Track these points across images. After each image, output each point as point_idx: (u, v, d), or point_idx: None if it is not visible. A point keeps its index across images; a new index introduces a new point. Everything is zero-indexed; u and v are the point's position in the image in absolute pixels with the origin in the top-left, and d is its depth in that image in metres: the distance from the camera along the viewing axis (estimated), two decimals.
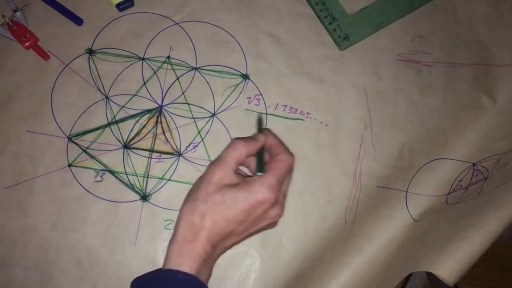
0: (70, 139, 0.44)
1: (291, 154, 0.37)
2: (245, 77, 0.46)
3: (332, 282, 0.43)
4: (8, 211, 0.42)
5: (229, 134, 0.45)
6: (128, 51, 0.46)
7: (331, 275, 0.43)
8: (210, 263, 0.35)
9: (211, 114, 0.45)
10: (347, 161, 0.45)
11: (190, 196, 0.35)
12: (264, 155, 0.37)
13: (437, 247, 0.40)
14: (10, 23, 0.44)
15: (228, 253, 0.42)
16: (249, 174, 0.40)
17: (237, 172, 0.36)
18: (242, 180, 0.35)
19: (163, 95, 0.45)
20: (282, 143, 0.38)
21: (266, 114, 0.45)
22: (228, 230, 0.34)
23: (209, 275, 0.35)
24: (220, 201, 0.33)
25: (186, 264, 0.32)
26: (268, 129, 0.40)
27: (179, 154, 0.44)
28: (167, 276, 0.33)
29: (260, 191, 0.33)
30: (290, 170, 0.37)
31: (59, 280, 0.41)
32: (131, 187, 0.43)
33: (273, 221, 0.36)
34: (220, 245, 0.35)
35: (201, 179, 0.35)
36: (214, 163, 0.35)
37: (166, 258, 0.34)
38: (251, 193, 0.33)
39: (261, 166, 0.36)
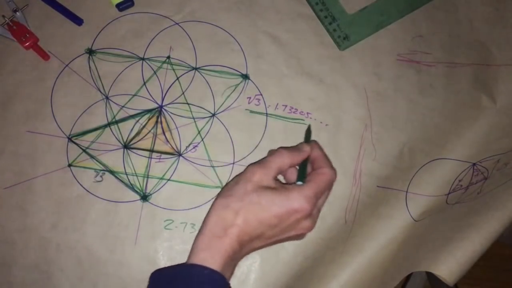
0: (70, 139, 0.44)
1: (334, 170, 0.37)
2: (245, 77, 0.46)
3: (332, 282, 0.43)
4: (8, 211, 0.42)
5: (229, 134, 0.45)
6: (128, 51, 0.46)
7: (331, 275, 0.43)
8: (235, 262, 0.35)
9: (211, 114, 0.45)
10: (347, 161, 0.45)
11: (226, 191, 0.35)
12: (307, 165, 0.38)
13: (437, 247, 0.40)
14: (10, 23, 0.44)
15: None
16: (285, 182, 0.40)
17: (276, 179, 0.36)
18: (280, 186, 0.35)
19: (163, 95, 0.45)
20: (326, 157, 0.38)
21: (266, 114, 0.45)
22: (258, 232, 0.34)
23: (232, 274, 0.35)
24: (256, 201, 0.33)
25: (213, 259, 0.32)
26: (315, 141, 0.41)
27: (179, 154, 0.44)
28: (193, 271, 0.32)
29: (297, 199, 0.33)
30: (329, 186, 0.37)
31: (59, 280, 0.41)
32: (131, 187, 0.43)
33: (302, 232, 0.36)
34: (247, 245, 0.35)
35: (239, 177, 0.36)
36: (255, 164, 0.36)
37: (192, 251, 0.34)
38: (288, 200, 0.33)
39: (303, 176, 0.36)
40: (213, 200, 0.36)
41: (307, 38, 0.47)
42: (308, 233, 0.36)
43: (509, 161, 0.46)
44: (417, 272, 0.74)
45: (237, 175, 0.37)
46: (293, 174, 0.39)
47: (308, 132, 0.43)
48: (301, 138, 0.45)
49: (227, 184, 0.37)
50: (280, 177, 0.40)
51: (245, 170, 0.36)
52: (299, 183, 0.35)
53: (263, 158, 0.36)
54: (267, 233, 0.34)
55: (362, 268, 0.43)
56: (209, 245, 0.33)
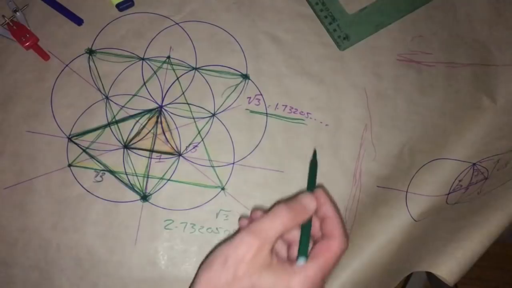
0: (70, 139, 0.44)
1: (346, 237, 0.29)
2: (245, 77, 0.46)
3: (333, 282, 0.42)
4: (8, 211, 0.42)
5: (229, 134, 0.45)
6: (128, 51, 0.46)
7: (331, 275, 0.43)
8: None
9: (211, 114, 0.45)
10: (347, 161, 0.45)
11: (211, 270, 0.27)
12: (310, 231, 0.30)
13: (437, 247, 0.40)
14: (10, 23, 0.44)
15: None
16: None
17: (273, 251, 0.29)
18: (278, 265, 0.28)
19: (163, 95, 0.45)
20: (338, 215, 0.30)
21: (266, 114, 0.45)
22: None
23: None
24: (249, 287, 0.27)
25: None
26: (321, 189, 0.32)
27: (179, 154, 0.44)
28: None
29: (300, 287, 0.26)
30: (339, 260, 0.29)
31: (59, 280, 0.41)
32: (131, 187, 0.43)
33: None
34: None
35: (227, 251, 0.27)
36: (249, 234, 0.28)
37: None
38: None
39: (305, 249, 0.28)
40: (195, 277, 0.28)
41: (307, 38, 0.47)
42: None
43: (509, 161, 0.46)
44: (417, 272, 0.74)
45: (224, 245, 0.28)
46: (292, 235, 0.31)
47: (314, 165, 0.34)
48: (301, 138, 0.45)
49: (213, 254, 0.28)
50: None
51: (237, 240, 0.28)
52: (301, 262, 0.28)
53: (259, 221, 0.28)
54: None
55: (362, 268, 0.43)
56: None
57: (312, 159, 0.35)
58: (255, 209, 0.33)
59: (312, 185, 0.33)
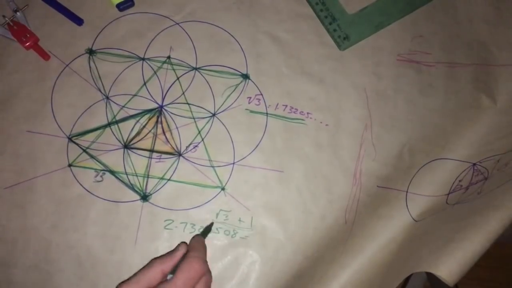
0: (70, 139, 0.44)
1: (200, 262, 0.35)
2: (245, 77, 0.46)
3: (332, 282, 0.42)
4: (8, 211, 0.42)
5: (229, 134, 0.45)
6: (128, 51, 0.46)
7: (331, 275, 0.43)
8: None
9: (211, 114, 0.45)
10: (347, 161, 0.45)
11: None
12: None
13: (437, 248, 0.40)
14: (11, 23, 0.45)
15: (228, 253, 0.42)
16: None
17: None
18: None
19: (163, 95, 0.45)
20: (199, 247, 0.37)
21: (267, 114, 0.45)
22: None
23: None
24: None
25: None
26: (201, 237, 0.40)
27: (179, 154, 0.44)
28: None
29: None
30: (200, 273, 0.35)
31: (59, 280, 0.41)
32: (131, 187, 0.43)
33: None
34: None
35: None
36: (125, 284, 0.34)
37: None
38: None
39: (174, 268, 0.35)
40: None
41: (307, 38, 0.48)
42: None
43: (509, 161, 0.46)
44: (417, 273, 0.74)
45: None
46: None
47: (207, 229, 0.42)
48: (301, 138, 0.45)
49: None
50: None
51: None
52: (170, 276, 0.34)
53: (135, 275, 0.35)
54: None
55: (362, 268, 0.43)
56: None
57: (208, 226, 0.43)
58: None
59: (204, 235, 0.41)
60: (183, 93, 0.45)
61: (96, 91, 0.45)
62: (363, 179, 0.45)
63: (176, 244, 0.42)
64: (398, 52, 0.48)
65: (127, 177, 0.43)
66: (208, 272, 0.36)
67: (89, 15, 0.46)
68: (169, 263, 0.36)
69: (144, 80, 0.45)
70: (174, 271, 0.34)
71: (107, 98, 0.45)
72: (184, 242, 0.40)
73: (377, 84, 0.47)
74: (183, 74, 0.46)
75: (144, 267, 0.35)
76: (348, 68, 0.47)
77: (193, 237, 0.40)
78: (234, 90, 0.46)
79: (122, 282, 0.34)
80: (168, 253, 0.37)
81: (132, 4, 0.46)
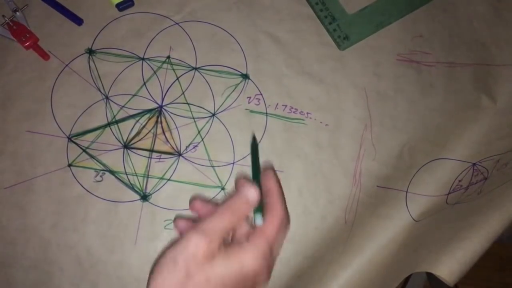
0: (70, 139, 0.44)
1: (286, 210, 0.31)
2: (245, 77, 0.46)
3: (332, 282, 0.42)
4: (8, 211, 0.42)
5: (229, 134, 0.45)
6: (128, 51, 0.46)
7: (331, 275, 0.43)
8: None
9: (211, 114, 0.45)
10: (347, 161, 0.45)
11: (160, 276, 0.27)
12: (263, 204, 0.31)
13: (437, 247, 0.40)
14: (10, 23, 0.44)
15: None
16: None
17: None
18: (229, 250, 0.28)
19: (163, 95, 0.45)
20: (279, 192, 0.32)
21: (266, 114, 0.45)
22: None
23: None
24: (205, 281, 0.27)
25: None
26: (269, 171, 0.34)
27: (179, 154, 0.44)
28: None
29: (253, 262, 0.28)
30: (281, 231, 0.31)
31: (59, 280, 0.41)
32: (131, 187, 0.43)
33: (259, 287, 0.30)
34: None
35: (177, 253, 0.27)
36: (196, 232, 0.28)
37: None
38: (242, 267, 0.27)
39: (261, 208, 0.30)
40: (147, 285, 0.28)
41: (307, 38, 0.47)
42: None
43: (509, 161, 0.46)
44: (417, 272, 0.74)
45: (172, 247, 0.28)
46: (242, 227, 0.32)
47: (255, 149, 0.35)
48: (301, 138, 0.45)
49: (160, 261, 0.28)
50: None
51: (184, 241, 0.28)
52: (259, 217, 0.30)
53: (205, 220, 0.29)
54: None
55: (362, 268, 0.43)
56: None
57: (252, 142, 0.36)
58: (195, 199, 0.34)
59: (256, 171, 0.34)
60: (183, 93, 0.45)
61: (96, 91, 0.45)
62: (363, 179, 0.45)
63: None
64: (398, 52, 0.48)
65: (127, 177, 0.43)
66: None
67: (88, 15, 0.46)
68: (244, 212, 0.30)
69: (143, 80, 0.45)
70: (260, 209, 0.30)
71: (107, 98, 0.45)
72: (249, 182, 0.32)
73: (377, 84, 0.47)
74: (183, 74, 0.46)
75: (214, 217, 0.29)
76: (348, 68, 0.47)
77: (265, 174, 0.33)
78: (234, 90, 0.46)
79: (192, 233, 0.28)
80: (237, 197, 0.30)
81: (132, 4, 0.46)
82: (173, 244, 0.28)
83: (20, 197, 0.42)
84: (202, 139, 0.44)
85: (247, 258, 0.28)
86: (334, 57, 0.47)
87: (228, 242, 0.32)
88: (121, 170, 0.43)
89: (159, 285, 0.27)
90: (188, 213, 0.43)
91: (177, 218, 0.34)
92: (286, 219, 0.31)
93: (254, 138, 0.37)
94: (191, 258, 0.27)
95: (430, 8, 0.49)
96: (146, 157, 0.44)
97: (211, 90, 0.45)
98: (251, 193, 0.30)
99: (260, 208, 0.30)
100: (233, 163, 0.44)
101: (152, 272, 0.28)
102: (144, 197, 0.43)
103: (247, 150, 0.44)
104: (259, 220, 0.30)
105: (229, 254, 0.28)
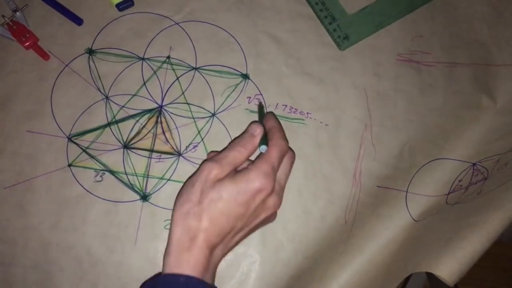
0: (70, 139, 0.44)
1: (285, 140, 0.36)
2: (245, 77, 0.46)
3: (332, 282, 0.42)
4: (8, 211, 0.42)
5: (229, 134, 0.45)
6: (128, 51, 0.46)
7: (331, 275, 0.43)
8: (212, 269, 0.33)
9: (211, 114, 0.45)
10: (347, 161, 0.45)
11: (182, 198, 0.33)
12: (267, 139, 0.37)
13: (437, 248, 0.40)
14: (10, 23, 0.44)
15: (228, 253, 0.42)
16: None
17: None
18: (237, 173, 0.34)
19: (163, 95, 0.45)
20: (279, 128, 0.37)
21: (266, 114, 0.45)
22: (228, 228, 0.32)
23: (213, 278, 0.34)
24: (217, 197, 0.32)
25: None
26: (271, 113, 0.41)
27: (179, 154, 0.44)
28: (168, 279, 0.31)
29: (257, 178, 0.32)
30: (282, 157, 0.36)
31: (59, 280, 0.41)
32: (131, 187, 0.43)
33: (271, 212, 0.35)
34: (220, 246, 0.33)
35: (194, 178, 0.33)
36: (210, 162, 0.33)
37: (163, 271, 0.32)
38: (248, 183, 0.32)
39: (265, 140, 0.36)
40: (172, 211, 0.33)
41: (307, 38, 0.47)
42: (277, 211, 0.36)
43: (509, 161, 0.46)
44: (417, 272, 0.74)
45: (190, 177, 0.35)
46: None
47: (261, 108, 0.42)
48: (301, 138, 0.45)
49: (182, 188, 0.35)
50: None
51: (199, 169, 0.34)
52: (263, 147, 0.35)
53: (218, 153, 0.35)
54: (237, 225, 0.33)
55: (362, 268, 0.43)
56: (178, 262, 0.31)
57: (259, 105, 0.44)
58: (210, 153, 0.39)
59: (261, 117, 0.41)
60: (183, 93, 0.45)
61: (96, 91, 0.45)
62: (363, 179, 0.45)
63: None
64: (398, 52, 0.48)
65: (127, 177, 0.43)
66: (290, 148, 0.38)
67: (88, 15, 0.46)
68: (252, 147, 0.35)
69: (143, 80, 0.45)
70: (265, 141, 0.35)
71: (107, 98, 0.45)
72: (256, 122, 0.38)
73: (377, 84, 0.47)
74: (182, 74, 0.46)
75: (228, 149, 0.35)
76: (348, 68, 0.47)
77: (266, 116, 0.40)
78: (234, 90, 0.46)
79: (207, 161, 0.34)
80: (246, 135, 0.36)
81: (132, 4, 0.46)
82: (192, 174, 0.35)
83: (20, 197, 0.42)
84: (202, 139, 0.44)
85: (251, 174, 0.33)
86: (334, 57, 0.47)
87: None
88: (121, 170, 0.43)
89: (180, 205, 0.33)
90: None
91: (210, 152, 0.40)
92: (286, 148, 0.36)
93: (260, 103, 0.44)
94: (204, 180, 0.33)
95: (430, 8, 0.49)
96: (146, 157, 0.44)
97: (211, 90, 0.45)
98: (256, 128, 0.36)
99: (265, 142, 0.35)
100: None
101: (176, 197, 0.34)
102: (144, 197, 0.43)
103: None
104: (263, 148, 0.35)
105: (237, 174, 0.33)
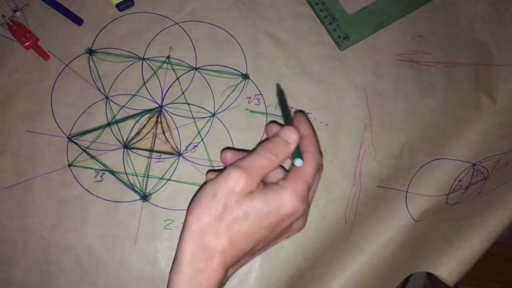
0: (70, 139, 0.44)
1: (321, 153, 0.31)
2: (245, 77, 0.46)
3: (332, 282, 0.42)
4: (8, 211, 0.42)
5: (229, 134, 0.45)
6: (128, 51, 0.46)
7: (331, 275, 0.43)
8: (223, 287, 0.30)
9: (211, 114, 0.45)
10: (347, 161, 0.45)
11: (200, 209, 0.28)
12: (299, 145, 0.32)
13: (437, 248, 0.40)
14: (10, 23, 0.45)
15: None
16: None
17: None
18: (267, 188, 0.29)
19: (163, 95, 0.45)
20: (315, 137, 0.32)
21: (266, 113, 0.45)
22: (247, 250, 0.28)
23: None
24: (243, 217, 0.27)
25: None
26: (302, 115, 0.34)
27: (179, 154, 0.44)
28: None
29: (290, 201, 0.28)
30: (318, 173, 0.31)
31: (59, 280, 0.41)
32: (131, 187, 0.43)
33: (295, 233, 0.32)
34: (234, 267, 0.30)
35: (216, 186, 0.28)
36: (238, 169, 0.28)
37: None
38: (279, 205, 0.27)
39: (299, 153, 0.30)
40: (184, 219, 0.29)
41: (307, 38, 0.47)
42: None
43: (509, 161, 0.46)
44: (417, 272, 0.74)
45: (211, 182, 0.28)
46: (277, 172, 0.33)
47: (281, 96, 0.36)
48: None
49: (200, 194, 0.28)
50: None
51: (223, 176, 0.28)
52: (299, 161, 0.29)
53: (245, 158, 0.29)
54: (257, 247, 0.29)
55: (362, 268, 0.43)
56: (190, 284, 0.27)
57: (278, 91, 0.38)
58: (225, 151, 0.34)
59: (287, 116, 0.35)
60: (183, 93, 0.45)
61: (96, 91, 0.45)
62: (363, 179, 0.45)
63: (176, 244, 0.42)
64: (398, 52, 0.48)
65: (127, 177, 0.43)
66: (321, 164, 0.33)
67: (88, 15, 0.46)
68: (286, 154, 0.30)
69: (143, 80, 0.45)
70: (299, 154, 0.30)
71: (107, 98, 0.45)
72: (291, 127, 0.31)
73: (377, 84, 0.47)
74: (182, 74, 0.46)
75: (258, 155, 0.29)
76: (348, 68, 0.47)
77: (298, 118, 0.33)
78: (233, 90, 0.46)
79: (234, 167, 0.28)
80: (273, 140, 0.30)
81: (132, 4, 0.46)
82: (213, 179, 0.28)
83: (20, 197, 0.42)
84: (202, 139, 0.44)
85: (285, 196, 0.28)
86: (334, 57, 0.47)
87: (266, 181, 0.32)
88: (121, 170, 0.43)
89: (196, 217, 0.28)
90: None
91: (225, 149, 0.34)
92: (321, 163, 0.31)
93: (278, 86, 0.38)
94: (230, 192, 0.27)
95: (430, 8, 0.49)
96: (146, 157, 0.44)
97: (211, 90, 0.45)
98: (291, 135, 0.30)
99: (298, 151, 0.31)
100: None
101: (190, 205, 0.28)
102: (144, 197, 0.43)
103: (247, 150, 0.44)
104: (299, 162, 0.30)
105: (267, 191, 0.28)
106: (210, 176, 0.32)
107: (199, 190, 0.29)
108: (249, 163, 0.29)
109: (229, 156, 0.34)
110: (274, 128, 0.33)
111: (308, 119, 0.34)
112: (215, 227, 0.27)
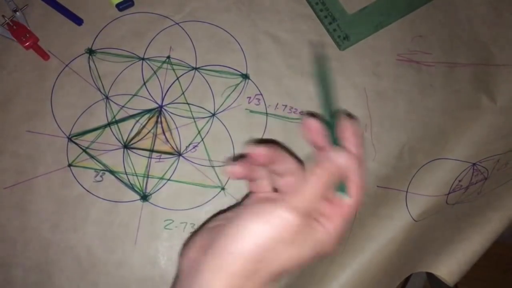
0: (70, 139, 0.44)
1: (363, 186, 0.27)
2: (245, 77, 0.46)
3: (332, 282, 0.43)
4: (8, 211, 0.42)
5: (229, 134, 0.45)
6: (128, 51, 0.46)
7: (332, 275, 0.43)
8: None
9: (211, 114, 0.45)
10: None
11: (228, 241, 0.24)
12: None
13: (437, 248, 0.40)
14: (10, 23, 0.44)
15: None
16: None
17: None
18: (312, 226, 0.25)
19: (163, 95, 0.45)
20: (362, 156, 0.27)
21: (266, 114, 0.45)
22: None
23: None
24: (281, 258, 0.24)
25: None
26: (352, 123, 0.28)
27: (179, 154, 0.44)
28: None
29: (331, 245, 0.25)
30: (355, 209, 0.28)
31: (59, 280, 0.41)
32: (131, 187, 0.43)
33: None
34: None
35: (256, 220, 0.24)
36: (287, 209, 0.24)
37: None
38: (319, 250, 0.25)
39: (344, 186, 0.26)
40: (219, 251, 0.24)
41: (307, 38, 0.47)
42: None
43: (509, 161, 0.46)
44: (417, 272, 0.74)
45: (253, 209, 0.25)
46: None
47: (323, 75, 0.27)
48: (301, 138, 0.45)
49: (226, 225, 0.25)
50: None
51: (266, 216, 0.24)
52: (345, 197, 0.26)
53: (297, 193, 0.25)
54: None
55: (362, 268, 0.43)
56: None
57: (316, 67, 0.26)
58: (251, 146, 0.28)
59: (329, 112, 0.27)
60: (183, 93, 0.45)
61: (96, 91, 0.45)
62: None
63: (176, 245, 0.42)
64: (398, 52, 0.48)
65: (127, 177, 0.43)
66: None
67: (88, 15, 0.46)
68: (334, 177, 0.26)
69: (143, 80, 0.45)
70: (345, 187, 0.26)
71: (107, 98, 0.45)
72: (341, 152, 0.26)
73: (377, 84, 0.47)
74: (183, 74, 0.46)
75: (308, 183, 0.25)
76: (348, 68, 0.47)
77: (340, 154, 0.26)
78: (234, 90, 0.46)
79: (280, 202, 0.24)
80: (325, 161, 0.26)
81: (132, 4, 0.46)
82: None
83: (20, 197, 0.42)
84: (202, 139, 0.44)
85: (325, 241, 0.25)
86: (334, 57, 0.47)
87: None
88: (121, 170, 0.43)
89: (225, 249, 0.24)
90: (187, 213, 0.43)
91: (232, 161, 0.30)
92: (359, 199, 0.27)
93: (319, 60, 0.27)
94: (278, 240, 0.24)
95: (430, 8, 0.49)
96: (146, 157, 0.44)
97: (211, 90, 0.45)
98: (347, 162, 0.25)
99: (343, 185, 0.26)
100: None
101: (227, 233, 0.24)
102: (144, 197, 0.43)
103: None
104: (346, 196, 0.26)
105: (308, 234, 0.25)
106: (236, 171, 0.29)
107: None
108: (304, 198, 0.25)
109: (239, 170, 0.30)
110: (319, 139, 0.28)
111: (356, 131, 0.28)
112: (247, 268, 0.24)
